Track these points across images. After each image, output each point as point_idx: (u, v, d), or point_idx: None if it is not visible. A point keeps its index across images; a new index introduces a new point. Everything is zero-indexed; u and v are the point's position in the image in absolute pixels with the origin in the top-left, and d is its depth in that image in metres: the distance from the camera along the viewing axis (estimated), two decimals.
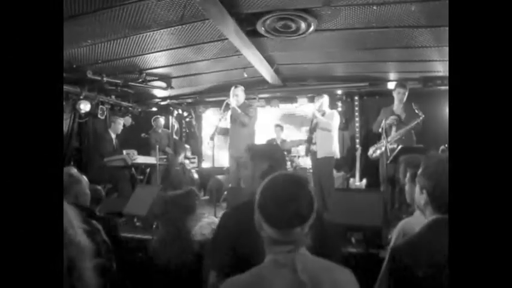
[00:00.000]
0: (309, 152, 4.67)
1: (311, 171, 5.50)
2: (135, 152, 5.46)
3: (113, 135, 5.66)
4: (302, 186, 1.08)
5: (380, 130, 4.23)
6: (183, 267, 1.68)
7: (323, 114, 4.56)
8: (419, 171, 1.33)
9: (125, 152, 5.38)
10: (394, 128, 4.31)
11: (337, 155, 4.58)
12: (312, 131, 4.61)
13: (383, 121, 4.21)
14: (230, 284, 1.07)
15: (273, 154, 1.80)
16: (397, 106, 4.43)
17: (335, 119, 4.56)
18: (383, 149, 4.20)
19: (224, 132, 4.76)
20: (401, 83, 4.59)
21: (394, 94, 4.46)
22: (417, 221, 1.57)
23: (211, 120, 7.55)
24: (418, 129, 4.32)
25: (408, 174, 1.91)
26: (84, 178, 2.01)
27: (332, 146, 4.49)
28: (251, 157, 1.80)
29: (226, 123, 4.73)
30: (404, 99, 4.39)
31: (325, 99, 4.67)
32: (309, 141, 4.63)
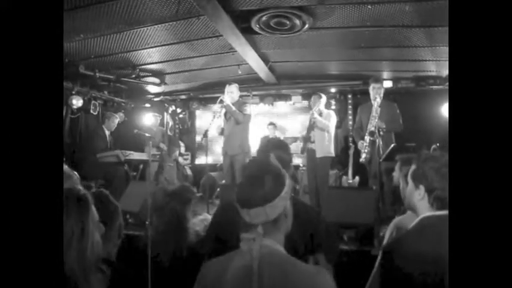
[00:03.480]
0: (305, 150, 4.66)
1: (304, 168, 5.52)
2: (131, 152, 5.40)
3: (107, 132, 5.56)
4: (267, 172, 1.13)
5: (372, 130, 4.17)
6: (180, 258, 1.73)
7: (320, 114, 4.50)
8: (414, 168, 1.33)
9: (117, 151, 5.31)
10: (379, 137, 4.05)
11: (333, 154, 4.60)
12: (309, 130, 4.57)
13: (374, 121, 4.09)
14: (207, 266, 1.18)
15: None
16: (374, 102, 4.18)
17: (332, 120, 4.55)
18: (366, 144, 4.18)
19: (219, 130, 4.72)
20: (375, 78, 4.51)
21: (370, 90, 4.34)
22: (411, 218, 1.58)
23: (205, 117, 7.53)
24: (398, 132, 4.32)
25: (403, 172, 1.92)
26: (75, 174, 1.99)
27: (330, 146, 4.51)
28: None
29: (220, 121, 4.70)
30: (381, 94, 4.23)
31: (322, 99, 4.59)
32: (307, 139, 4.60)
